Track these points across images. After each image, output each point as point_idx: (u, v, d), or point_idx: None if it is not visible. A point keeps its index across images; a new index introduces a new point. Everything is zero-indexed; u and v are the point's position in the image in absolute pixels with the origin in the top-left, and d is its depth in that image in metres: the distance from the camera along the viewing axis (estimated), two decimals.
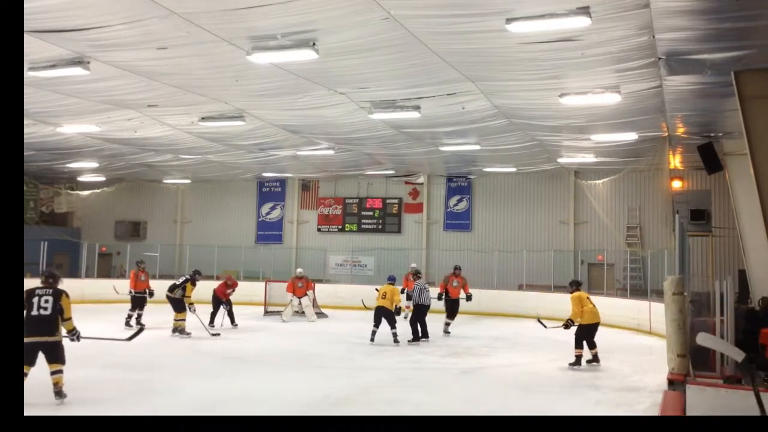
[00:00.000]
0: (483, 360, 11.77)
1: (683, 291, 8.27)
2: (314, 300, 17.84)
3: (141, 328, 8.03)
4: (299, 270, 17.92)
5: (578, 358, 10.85)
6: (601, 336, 11.99)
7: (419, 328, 13.51)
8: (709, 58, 9.32)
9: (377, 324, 12.98)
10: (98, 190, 26.99)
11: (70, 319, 7.65)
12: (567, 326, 11.19)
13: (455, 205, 23.79)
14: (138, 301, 15.15)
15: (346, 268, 24.45)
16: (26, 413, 3.46)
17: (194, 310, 13.74)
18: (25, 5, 6.90)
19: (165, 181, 26.25)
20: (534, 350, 12.89)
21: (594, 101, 11.85)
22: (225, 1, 8.05)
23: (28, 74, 10.63)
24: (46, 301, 7.52)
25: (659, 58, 9.49)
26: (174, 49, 9.83)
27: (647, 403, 8.20)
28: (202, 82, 11.92)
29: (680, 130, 14.63)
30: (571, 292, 11.38)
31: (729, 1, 7.55)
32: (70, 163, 22.16)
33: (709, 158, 14.70)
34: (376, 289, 13.76)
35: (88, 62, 10.42)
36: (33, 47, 9.53)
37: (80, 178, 26.26)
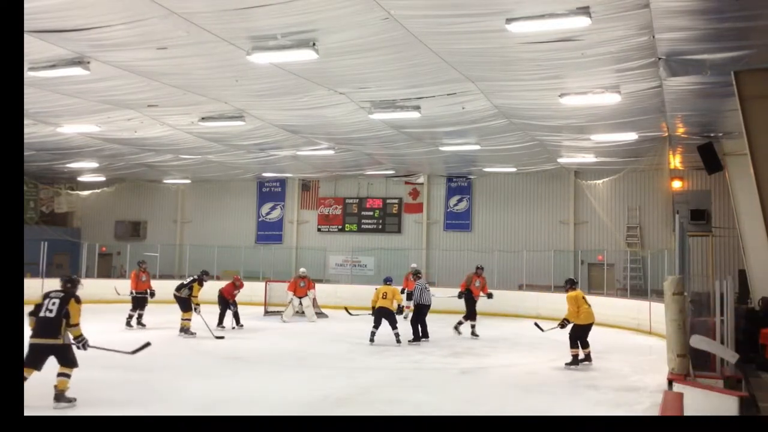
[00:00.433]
0: (483, 360, 11.77)
1: (683, 291, 8.26)
2: (314, 300, 17.84)
3: (147, 344, 7.94)
4: (302, 270, 17.88)
5: (575, 357, 10.86)
6: (601, 336, 12.03)
7: (419, 328, 13.51)
8: (709, 58, 9.32)
9: (377, 325, 12.97)
10: (98, 190, 27.00)
11: (77, 325, 7.52)
12: (563, 326, 11.20)
13: (455, 205, 23.79)
14: (139, 302, 15.14)
15: (346, 268, 24.45)
16: (26, 413, 3.46)
17: (199, 311, 13.72)
18: (25, 5, 6.89)
19: (165, 181, 26.25)
20: (534, 350, 12.88)
21: (594, 101, 11.85)
22: (225, 1, 8.05)
23: (28, 74, 10.63)
24: (53, 304, 7.45)
25: (659, 58, 9.49)
26: (174, 49, 9.83)
27: (647, 403, 8.20)
28: (202, 82, 11.92)
29: (680, 130, 14.63)
30: (567, 290, 11.37)
31: (729, 1, 7.55)
32: (70, 163, 22.17)
33: (709, 158, 14.70)
34: (377, 289, 13.75)
35: (88, 62, 10.42)
36: (33, 47, 9.53)
37: (80, 178, 26.27)
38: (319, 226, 25.37)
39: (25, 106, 13.19)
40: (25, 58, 9.89)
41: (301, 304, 17.20)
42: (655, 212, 20.55)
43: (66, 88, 12.37)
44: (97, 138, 17.39)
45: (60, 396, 7.36)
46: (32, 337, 7.33)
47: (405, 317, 15.19)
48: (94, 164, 22.19)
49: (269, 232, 26.09)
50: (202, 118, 14.74)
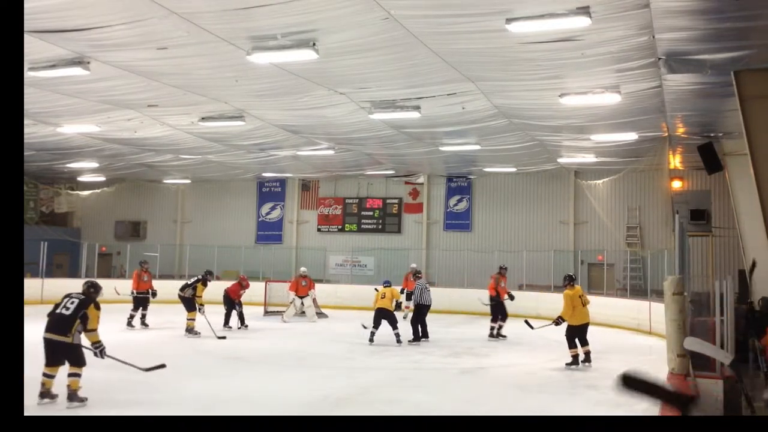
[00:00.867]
0: (483, 360, 11.77)
1: (683, 291, 8.27)
2: (314, 300, 17.84)
3: (162, 365, 7.96)
4: (303, 269, 17.85)
5: (575, 357, 10.85)
6: (601, 336, 12.03)
7: (419, 328, 13.51)
8: (709, 58, 9.32)
9: (377, 325, 12.97)
10: (98, 190, 27.01)
11: (94, 331, 7.61)
12: (557, 323, 11.18)
13: (455, 205, 23.79)
14: (140, 302, 15.14)
15: (346, 268, 24.45)
16: (26, 413, 3.46)
17: (203, 312, 13.72)
18: (25, 5, 6.90)
19: (165, 181, 26.25)
20: (534, 350, 12.88)
21: (594, 101, 11.85)
22: (225, 1, 8.05)
23: (28, 74, 10.63)
24: (72, 303, 7.58)
25: (659, 58, 9.49)
26: (174, 49, 9.83)
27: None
28: (202, 82, 11.93)
29: (680, 130, 14.63)
30: (564, 287, 11.32)
31: (729, 1, 7.55)
32: (70, 163, 22.17)
33: (709, 158, 14.70)
34: (375, 290, 13.75)
35: (88, 62, 10.42)
36: (33, 47, 9.53)
37: (80, 178, 26.27)
38: (319, 226, 25.37)
39: (25, 106, 13.19)
40: (25, 58, 9.90)
41: (302, 303, 17.20)
42: (655, 212, 20.55)
43: (66, 88, 12.37)
44: (97, 138, 17.39)
45: (73, 395, 7.46)
46: (45, 331, 7.51)
47: (404, 317, 15.19)
48: (94, 164, 22.19)
49: (269, 232, 26.09)
50: (202, 118, 14.74)
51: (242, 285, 15.54)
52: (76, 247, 26.03)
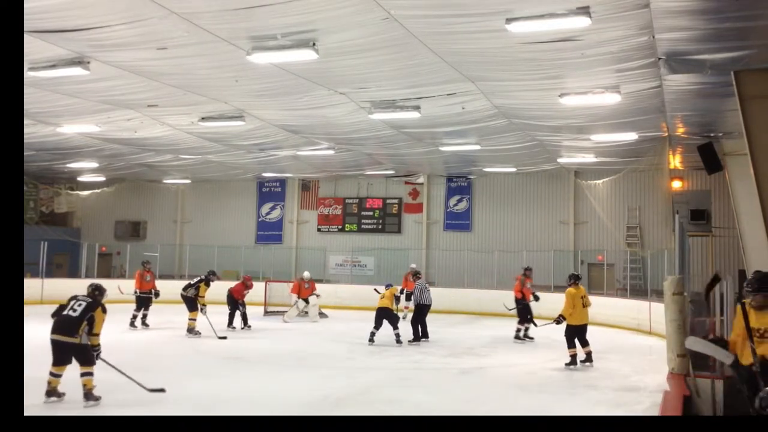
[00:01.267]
0: (483, 360, 11.77)
1: (683, 291, 8.26)
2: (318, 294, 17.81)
3: (162, 390, 7.99)
4: (306, 274, 17.68)
5: (573, 357, 10.85)
6: (601, 336, 12.02)
7: (419, 328, 13.51)
8: (709, 58, 9.32)
9: (378, 326, 12.96)
10: (98, 190, 27.02)
11: (97, 335, 7.79)
12: (558, 322, 11.17)
13: (455, 205, 23.79)
14: (143, 302, 15.14)
15: (346, 268, 24.45)
16: (28, 413, 3.46)
17: (205, 312, 13.73)
18: (25, 5, 6.89)
19: (165, 181, 26.26)
20: (534, 350, 12.88)
21: (594, 101, 11.85)
22: (225, 1, 8.05)
23: (28, 74, 10.63)
24: (79, 305, 7.73)
25: (659, 58, 9.49)
26: (174, 49, 9.83)
27: (647, 403, 8.20)
28: (202, 82, 11.92)
29: (680, 130, 14.63)
30: (569, 285, 11.33)
31: (729, 1, 7.55)
32: (70, 163, 22.17)
33: (709, 158, 14.69)
34: (375, 290, 13.74)
35: (88, 62, 10.42)
36: (33, 47, 9.53)
37: (80, 178, 26.27)
38: (319, 226, 25.37)
39: (25, 106, 13.19)
40: (25, 58, 9.90)
41: (306, 303, 17.18)
42: (655, 212, 20.55)
43: (66, 88, 12.37)
44: (97, 138, 17.39)
45: (89, 395, 7.56)
46: (52, 333, 7.64)
47: (403, 317, 15.17)
48: (94, 164, 22.19)
49: (269, 232, 26.09)
50: (202, 118, 14.74)
51: (246, 285, 15.54)
52: (76, 247, 26.04)
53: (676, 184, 18.71)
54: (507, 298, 19.58)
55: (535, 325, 12.19)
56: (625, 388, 9.37)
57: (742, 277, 14.13)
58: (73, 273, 24.93)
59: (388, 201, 24.58)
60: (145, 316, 15.10)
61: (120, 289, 15.13)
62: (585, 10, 7.72)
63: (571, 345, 10.91)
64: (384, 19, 8.42)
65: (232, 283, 16.24)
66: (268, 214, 26.26)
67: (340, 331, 15.06)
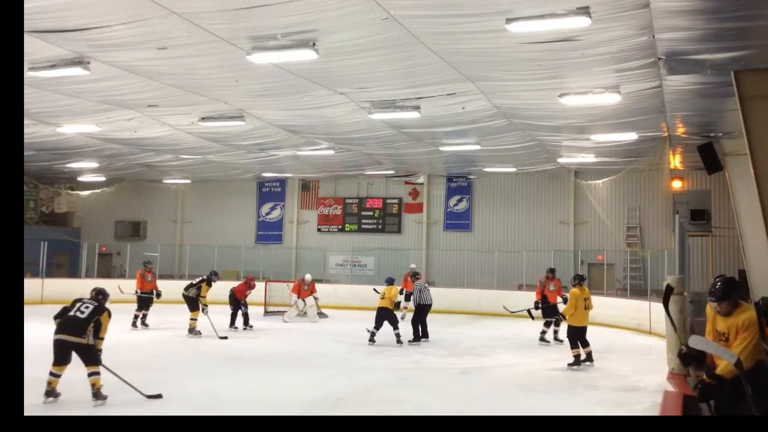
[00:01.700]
0: (483, 360, 11.77)
1: (683, 291, 8.27)
2: (316, 300, 17.83)
3: (160, 396, 8.00)
4: (308, 276, 17.61)
5: (576, 358, 10.86)
6: (601, 336, 12.00)
7: (419, 328, 13.51)
8: (709, 58, 9.31)
9: (378, 326, 12.97)
10: (98, 190, 27.01)
11: (102, 339, 7.93)
12: (558, 321, 11.17)
13: (455, 205, 23.79)
14: (144, 302, 15.15)
15: (346, 268, 24.46)
16: (27, 413, 3.46)
17: (206, 312, 13.73)
18: (25, 5, 6.89)
19: (165, 181, 26.26)
20: (534, 350, 12.88)
21: (594, 101, 11.84)
22: (225, 1, 8.05)
23: (28, 74, 10.63)
24: (87, 308, 7.85)
25: (659, 58, 9.49)
26: (174, 49, 9.82)
27: (647, 403, 8.20)
28: (202, 82, 11.92)
29: (680, 130, 14.63)
30: (573, 286, 11.35)
31: (729, 1, 7.54)
32: (70, 163, 22.17)
33: (709, 158, 14.68)
34: (374, 290, 13.73)
35: (88, 62, 10.42)
36: (33, 47, 9.53)
37: (80, 178, 26.28)
38: (319, 226, 25.37)
39: (25, 106, 13.19)
40: (25, 58, 9.90)
41: (305, 304, 17.21)
42: (655, 212, 20.56)
43: (66, 88, 12.37)
44: (97, 138, 17.39)
45: (98, 394, 7.64)
46: (57, 333, 7.73)
47: (402, 317, 15.16)
48: (94, 164, 22.19)
49: (269, 232, 26.10)
50: (202, 118, 14.74)
51: (249, 285, 15.56)
52: (76, 247, 26.05)
53: (676, 184, 18.70)
54: (507, 298, 19.65)
55: (533, 317, 12.16)
56: (625, 388, 9.37)
57: (742, 277, 14.14)
58: (73, 273, 24.94)
59: (388, 201, 24.59)
60: (144, 316, 15.10)
61: (120, 289, 15.14)
62: (585, 10, 7.72)
63: (574, 346, 10.92)
64: (384, 19, 8.42)
65: (232, 283, 16.24)
66: (268, 214, 26.27)
67: (340, 331, 15.06)
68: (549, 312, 13.75)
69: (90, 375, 7.64)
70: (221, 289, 15.49)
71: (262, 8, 8.13)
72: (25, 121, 14.65)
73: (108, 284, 16.81)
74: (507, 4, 7.87)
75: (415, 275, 15.01)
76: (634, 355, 12.63)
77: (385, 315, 12.93)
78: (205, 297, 13.96)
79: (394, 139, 16.65)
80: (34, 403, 7.19)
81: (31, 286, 18.24)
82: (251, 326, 15.18)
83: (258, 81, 11.69)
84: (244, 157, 20.41)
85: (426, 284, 14.42)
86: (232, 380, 9.48)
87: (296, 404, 7.85)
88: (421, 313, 13.64)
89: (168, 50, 9.84)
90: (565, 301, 12.97)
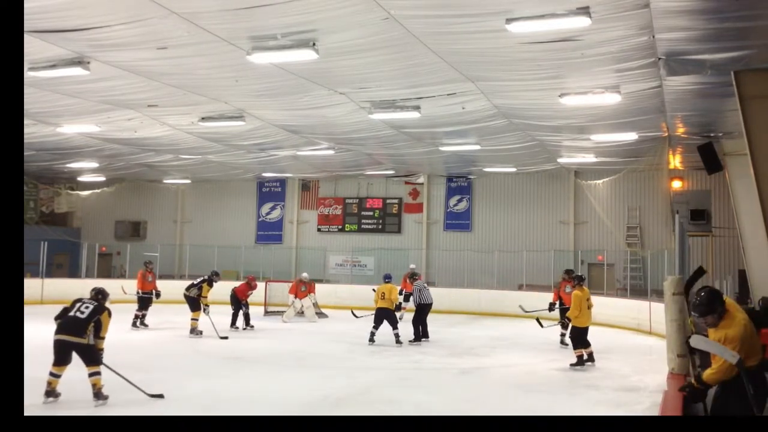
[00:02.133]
0: (483, 360, 11.77)
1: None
2: (314, 302, 17.84)
3: (161, 396, 8.00)
4: (305, 275, 17.72)
5: (579, 358, 10.85)
6: (601, 336, 11.96)
7: (420, 328, 13.50)
8: (709, 58, 9.32)
9: (377, 326, 12.97)
10: (98, 190, 27.02)
11: (103, 339, 7.96)
12: (564, 324, 11.16)
13: (455, 205, 23.79)
14: (144, 302, 15.15)
15: (346, 268, 24.46)
16: (27, 413, 3.46)
17: (208, 312, 13.73)
18: (25, 5, 6.89)
19: (165, 181, 26.26)
20: (534, 350, 12.88)
21: (594, 101, 11.85)
22: (225, 1, 8.05)
23: (28, 74, 10.63)
24: (87, 308, 7.84)
25: (659, 58, 9.49)
26: (174, 49, 9.83)
27: (647, 403, 8.20)
28: (202, 82, 11.92)
29: (680, 130, 14.63)
30: (573, 287, 11.32)
31: (729, 1, 7.55)
32: (70, 163, 22.17)
33: (709, 158, 14.69)
34: (373, 290, 13.73)
35: (88, 62, 10.42)
36: (33, 47, 9.53)
37: (80, 178, 26.27)
38: (319, 226, 25.37)
39: (25, 106, 13.19)
40: (25, 58, 9.89)
41: (303, 305, 17.22)
42: (655, 212, 20.55)
43: (66, 88, 12.37)
44: (97, 138, 17.39)
45: (99, 394, 7.64)
46: (57, 333, 7.72)
47: (400, 318, 15.14)
48: (94, 164, 22.19)
49: (269, 232, 26.10)
50: (202, 118, 14.74)
51: (250, 285, 15.56)
52: (76, 247, 26.04)
53: (676, 184, 18.71)
54: (507, 298, 19.68)
55: (542, 326, 12.06)
56: (625, 388, 9.37)
57: (742, 277, 14.15)
58: (74, 273, 24.93)
59: (388, 201, 24.59)
60: (144, 317, 15.10)
61: (123, 290, 15.16)
62: (585, 10, 7.72)
63: (577, 346, 10.92)
64: (384, 19, 8.42)
65: (233, 284, 16.23)
66: (268, 214, 26.27)
67: (340, 331, 15.06)
68: (566, 314, 13.57)
69: (90, 375, 7.64)
70: (222, 289, 15.48)
71: (262, 8, 8.13)
72: (25, 121, 14.64)
73: (108, 284, 16.81)
74: (507, 4, 7.87)
75: (413, 276, 14.99)
76: (635, 355, 12.63)
77: (385, 315, 12.93)
78: (206, 297, 13.96)
79: (394, 139, 16.65)
80: (34, 403, 7.19)
81: (31, 286, 18.23)
82: (252, 326, 15.18)
83: (258, 81, 11.69)
84: (244, 157, 20.41)
85: (425, 284, 14.40)
86: (233, 380, 9.48)
87: (296, 404, 7.85)
88: (421, 312, 13.63)
89: (168, 50, 9.84)
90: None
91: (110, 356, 8.31)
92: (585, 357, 10.91)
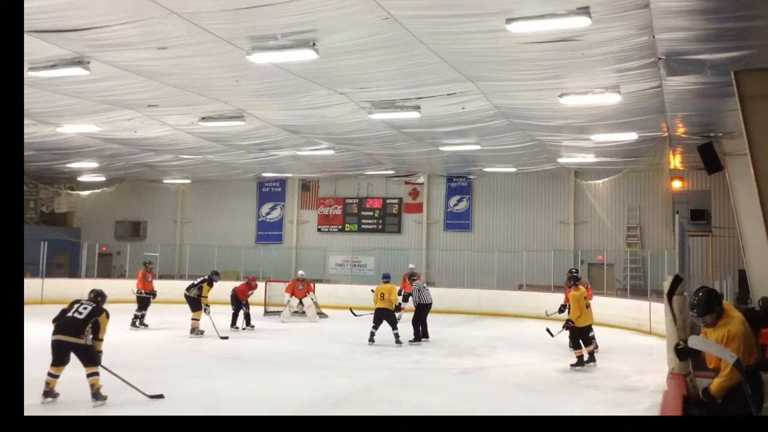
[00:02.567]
0: (483, 360, 11.77)
1: (683, 291, 8.25)
2: (315, 301, 17.83)
3: (162, 396, 8.00)
4: (300, 272, 17.85)
5: (580, 358, 10.85)
6: (601, 336, 11.93)
7: (420, 328, 13.50)
8: (709, 58, 9.31)
9: (377, 325, 12.97)
10: (98, 190, 27.02)
11: (102, 340, 7.94)
12: (567, 327, 11.15)
13: (455, 205, 23.79)
14: (144, 302, 15.15)
15: (346, 268, 24.45)
16: (27, 413, 3.46)
17: (209, 312, 13.73)
18: (25, 5, 6.89)
19: (165, 181, 26.26)
20: (534, 350, 12.88)
21: (594, 101, 11.84)
22: (225, 1, 8.05)
23: (28, 74, 10.63)
24: (85, 308, 7.85)
25: (659, 58, 9.49)
26: (174, 49, 9.83)
27: (647, 403, 8.20)
28: (202, 82, 11.92)
29: (680, 130, 14.63)
30: (570, 287, 11.32)
31: (729, 1, 7.55)
32: (70, 163, 22.16)
33: (709, 158, 14.69)
34: (372, 290, 13.72)
35: (88, 62, 10.42)
36: (33, 47, 9.53)
37: (80, 178, 26.27)
38: (319, 226, 25.37)
39: (25, 106, 13.18)
40: (25, 58, 9.89)
41: (301, 304, 17.24)
42: (655, 212, 20.54)
43: (66, 88, 12.37)
44: (97, 138, 17.39)
45: (97, 394, 7.65)
46: (55, 334, 7.73)
47: (399, 318, 15.12)
48: (94, 164, 22.19)
49: (269, 232, 26.09)
50: (202, 118, 14.74)
51: (251, 285, 15.57)
52: (76, 247, 26.04)
53: (676, 184, 18.70)
54: (507, 298, 19.71)
55: (552, 335, 11.74)
56: (625, 388, 9.37)
57: (742, 277, 14.15)
58: (74, 273, 24.93)
59: (388, 201, 24.58)
60: (143, 316, 15.09)
61: (134, 291, 15.20)
62: (585, 10, 7.72)
63: (577, 346, 10.92)
64: (384, 19, 8.42)
65: (233, 284, 16.22)
66: (268, 214, 26.26)
67: (339, 331, 15.06)
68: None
69: (89, 375, 7.65)
70: (222, 289, 15.48)
71: (262, 8, 8.13)
72: (25, 121, 14.64)
73: (108, 284, 16.82)
74: (507, 4, 7.87)
75: (412, 276, 15.00)
76: (634, 355, 12.63)
77: (384, 315, 12.93)
78: (206, 297, 13.96)
79: (394, 139, 16.65)
80: (34, 403, 7.19)
81: (31, 286, 18.22)
82: (252, 326, 15.19)
83: (258, 81, 11.69)
84: (244, 157, 20.41)
85: (424, 284, 14.39)
86: (232, 380, 9.48)
87: (296, 404, 7.85)
88: (421, 312, 13.63)
89: (168, 50, 9.84)
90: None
91: (110, 356, 8.30)
92: (585, 357, 10.91)
